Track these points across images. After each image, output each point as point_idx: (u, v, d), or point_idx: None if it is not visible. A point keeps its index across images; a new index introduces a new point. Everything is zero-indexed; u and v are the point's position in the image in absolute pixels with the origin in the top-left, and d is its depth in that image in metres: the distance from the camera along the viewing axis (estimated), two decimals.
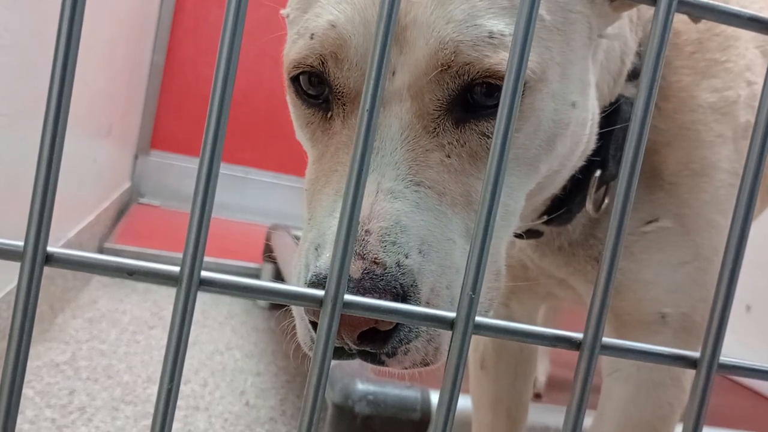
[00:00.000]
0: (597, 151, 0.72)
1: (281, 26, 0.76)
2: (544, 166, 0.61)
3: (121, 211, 2.97)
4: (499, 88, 0.54)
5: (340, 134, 0.57)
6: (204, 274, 0.28)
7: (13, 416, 0.27)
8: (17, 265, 0.28)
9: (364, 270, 0.49)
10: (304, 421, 0.30)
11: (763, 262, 1.87)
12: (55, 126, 0.26)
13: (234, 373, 1.78)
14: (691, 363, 0.33)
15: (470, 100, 0.55)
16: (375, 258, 0.50)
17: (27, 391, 1.46)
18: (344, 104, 0.57)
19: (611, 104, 0.72)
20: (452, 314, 0.31)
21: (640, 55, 0.72)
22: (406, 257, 0.51)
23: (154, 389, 1.59)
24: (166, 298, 2.26)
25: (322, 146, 0.59)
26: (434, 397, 1.31)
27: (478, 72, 0.53)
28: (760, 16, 0.33)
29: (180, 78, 3.43)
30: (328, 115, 0.59)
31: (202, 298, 2.25)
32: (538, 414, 1.23)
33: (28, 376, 1.51)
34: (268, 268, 2.45)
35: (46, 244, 0.26)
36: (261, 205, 3.46)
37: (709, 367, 0.32)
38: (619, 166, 0.80)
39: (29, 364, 1.58)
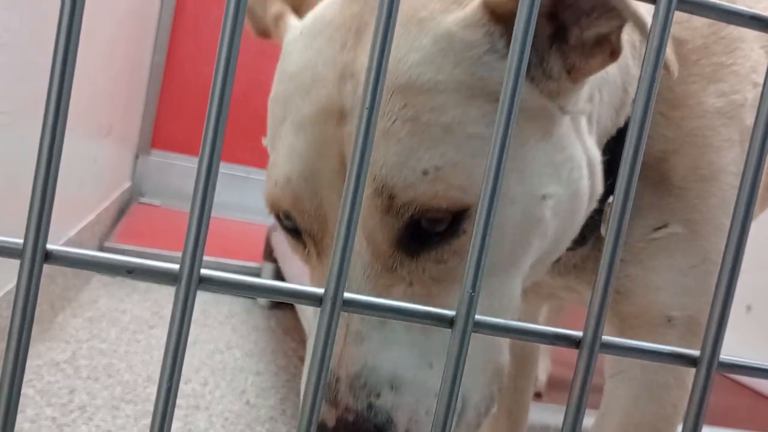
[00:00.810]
0: (607, 178, 0.72)
1: None
2: (526, 260, 0.61)
3: (122, 210, 2.97)
4: (443, 219, 0.55)
5: (317, 269, 0.61)
6: (204, 272, 0.28)
7: (13, 415, 0.27)
8: (16, 264, 0.28)
9: (338, 418, 0.52)
10: (303, 421, 0.30)
11: (764, 262, 1.87)
12: (54, 122, 0.26)
13: (234, 372, 1.78)
14: (691, 361, 0.33)
15: (418, 228, 0.56)
16: (346, 405, 0.53)
17: (27, 390, 1.46)
18: (315, 243, 0.59)
19: (619, 130, 0.71)
20: (451, 312, 0.31)
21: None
22: (378, 397, 0.53)
23: (154, 388, 1.59)
24: (166, 297, 2.26)
25: (311, 271, 0.63)
26: None
27: (416, 209, 0.54)
28: (761, 15, 0.33)
29: (180, 77, 3.43)
30: (307, 252, 0.62)
31: (203, 297, 2.25)
32: (538, 413, 1.23)
33: (28, 375, 1.51)
34: (268, 267, 2.45)
35: (45, 241, 0.26)
36: (261, 204, 3.43)
37: (709, 366, 0.32)
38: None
39: (29, 363, 1.58)
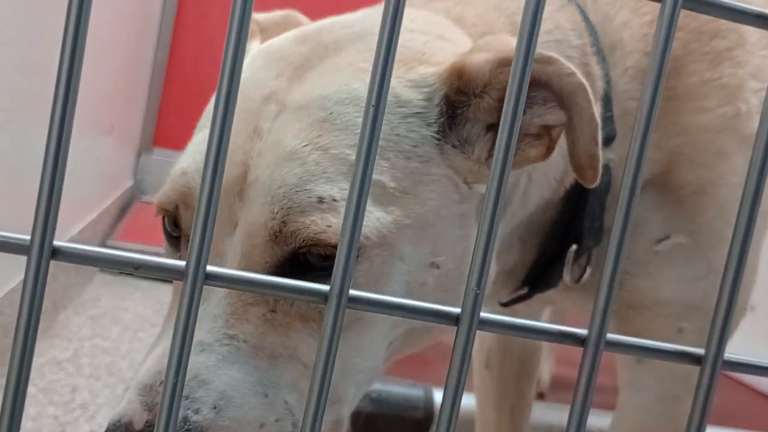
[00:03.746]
0: (571, 226, 0.72)
1: None
2: (407, 323, 0.59)
3: (124, 208, 2.97)
4: (329, 254, 0.54)
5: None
6: (209, 268, 0.28)
7: (20, 410, 0.27)
8: (18, 262, 0.28)
9: (146, 422, 0.49)
10: (307, 420, 0.30)
11: None
12: (62, 118, 0.26)
13: None
14: (696, 359, 0.33)
15: (302, 259, 0.55)
16: None
17: (30, 388, 1.46)
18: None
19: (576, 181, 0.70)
20: (457, 310, 0.31)
21: (611, 118, 0.71)
22: (196, 413, 0.50)
23: None
24: (168, 295, 2.26)
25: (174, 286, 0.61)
26: (438, 396, 1.31)
27: (303, 240, 0.53)
28: (767, 13, 0.32)
29: (183, 76, 3.43)
30: (179, 256, 0.61)
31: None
32: (541, 413, 1.23)
33: (30, 373, 1.51)
34: None
35: (52, 237, 0.26)
36: None
37: (714, 363, 0.32)
38: (597, 237, 0.78)
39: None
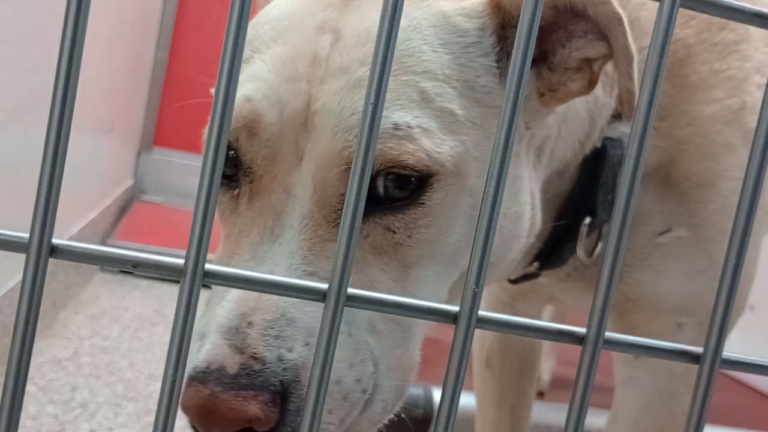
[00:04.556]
0: (586, 198, 0.72)
1: None
2: (463, 261, 0.59)
3: (124, 208, 2.97)
4: (405, 181, 0.53)
5: (244, 215, 0.56)
6: (208, 266, 0.28)
7: (18, 407, 0.27)
8: (17, 261, 0.28)
9: (241, 365, 0.47)
10: (306, 419, 0.30)
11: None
12: (60, 117, 0.26)
13: None
14: (694, 358, 0.33)
15: (377, 191, 0.54)
16: (254, 353, 0.48)
17: (29, 387, 1.46)
18: (251, 182, 0.56)
19: (594, 150, 0.71)
20: (455, 308, 0.31)
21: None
22: (290, 351, 0.48)
23: (156, 386, 1.59)
24: (168, 294, 2.26)
25: (229, 226, 0.59)
26: (437, 394, 1.31)
27: (381, 164, 0.53)
28: (765, 12, 0.33)
29: (183, 74, 3.43)
30: (236, 193, 0.58)
31: (205, 296, 2.25)
32: (540, 412, 1.24)
33: (30, 372, 1.51)
34: None
35: (51, 235, 0.26)
36: None
37: (713, 362, 0.32)
38: (610, 210, 0.78)
39: (31, 360, 1.58)
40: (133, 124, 3.16)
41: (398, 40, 0.55)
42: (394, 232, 0.55)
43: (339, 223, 0.53)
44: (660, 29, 0.31)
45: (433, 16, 0.57)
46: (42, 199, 0.26)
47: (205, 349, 0.49)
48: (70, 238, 1.85)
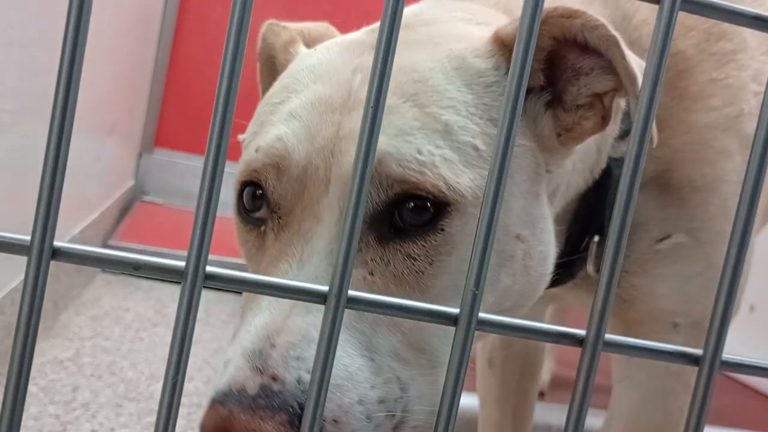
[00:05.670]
0: (592, 217, 0.73)
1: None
2: (489, 296, 0.58)
3: (125, 208, 2.97)
4: (423, 208, 0.54)
5: (272, 249, 0.57)
6: (209, 269, 0.29)
7: (20, 408, 0.27)
8: (19, 262, 0.28)
9: (261, 386, 0.47)
10: (306, 420, 0.31)
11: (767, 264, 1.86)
12: (62, 119, 0.26)
13: None
14: (694, 360, 0.33)
15: (398, 219, 0.55)
16: (274, 374, 0.48)
17: (31, 388, 1.47)
18: (279, 217, 0.57)
19: (600, 171, 0.72)
20: (456, 310, 0.31)
21: (629, 114, 0.72)
22: (308, 372, 0.48)
23: (157, 386, 1.59)
24: (169, 295, 2.26)
25: (256, 264, 0.59)
26: None
27: (402, 189, 0.54)
28: (764, 15, 0.33)
29: (184, 76, 3.43)
30: (262, 230, 0.59)
31: (205, 296, 2.25)
32: (540, 412, 1.24)
33: (32, 373, 1.51)
34: None
35: (53, 238, 0.26)
36: None
37: (712, 364, 0.32)
38: None
39: (33, 360, 1.58)
40: (135, 126, 3.16)
41: (425, 79, 0.57)
42: (415, 259, 0.55)
43: (362, 248, 0.54)
44: (660, 31, 0.31)
45: (455, 59, 0.59)
46: (43, 202, 0.26)
47: (228, 373, 0.50)
48: (72, 239, 1.85)
